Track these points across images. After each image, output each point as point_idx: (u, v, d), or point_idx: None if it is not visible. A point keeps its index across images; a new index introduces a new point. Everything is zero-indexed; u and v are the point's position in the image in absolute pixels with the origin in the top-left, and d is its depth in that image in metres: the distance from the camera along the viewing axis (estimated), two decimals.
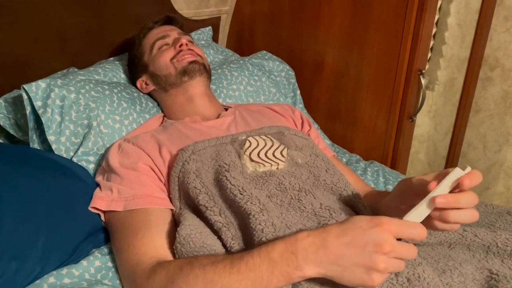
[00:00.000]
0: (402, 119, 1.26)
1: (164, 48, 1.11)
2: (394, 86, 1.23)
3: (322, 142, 1.14)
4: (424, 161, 1.73)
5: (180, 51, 1.08)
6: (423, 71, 1.21)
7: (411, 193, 0.70)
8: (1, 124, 1.08)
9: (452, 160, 1.58)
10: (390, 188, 1.15)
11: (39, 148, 1.01)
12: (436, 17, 1.51)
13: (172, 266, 0.68)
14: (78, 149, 0.99)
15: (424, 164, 1.73)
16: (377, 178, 1.18)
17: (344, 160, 1.31)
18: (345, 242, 0.57)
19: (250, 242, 0.73)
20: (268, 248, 0.61)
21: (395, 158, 1.32)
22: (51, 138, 0.97)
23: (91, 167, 0.98)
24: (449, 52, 1.52)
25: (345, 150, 1.38)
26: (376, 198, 0.91)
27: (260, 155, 0.87)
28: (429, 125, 1.66)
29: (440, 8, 1.49)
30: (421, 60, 1.19)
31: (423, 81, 1.21)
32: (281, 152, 0.89)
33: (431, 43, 1.54)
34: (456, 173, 0.62)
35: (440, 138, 1.64)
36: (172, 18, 1.19)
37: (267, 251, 0.60)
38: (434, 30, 1.51)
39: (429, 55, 1.56)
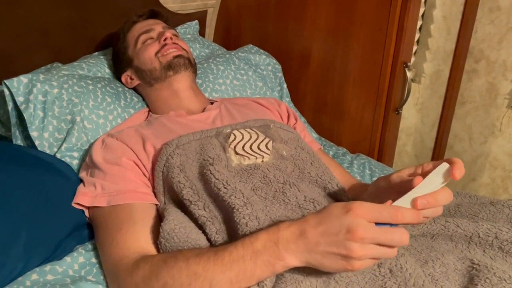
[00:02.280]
0: (388, 111, 1.26)
1: (149, 42, 1.10)
2: (379, 79, 1.24)
3: (308, 135, 1.14)
4: (411, 153, 1.74)
5: (165, 45, 1.07)
6: (409, 64, 1.21)
7: (391, 191, 0.70)
8: None
9: (438, 152, 1.60)
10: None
11: (22, 144, 1.00)
12: (422, 10, 1.51)
13: (156, 260, 0.68)
14: (61, 145, 0.98)
15: (411, 156, 1.75)
16: (363, 171, 1.19)
17: (331, 153, 1.32)
18: (321, 231, 0.57)
19: (234, 236, 0.73)
20: (252, 239, 0.61)
21: (381, 151, 1.33)
22: (34, 134, 0.96)
23: (75, 163, 0.97)
24: (435, 44, 1.52)
25: (332, 143, 1.39)
26: (360, 190, 0.91)
27: (245, 148, 0.87)
28: (415, 118, 1.66)
29: (426, 0, 1.49)
30: (406, 52, 1.19)
31: (408, 73, 1.21)
32: (266, 145, 0.89)
33: (417, 36, 1.54)
34: (441, 168, 0.62)
35: (426, 131, 1.65)
36: (156, 12, 1.18)
37: (250, 241, 0.61)
38: (420, 23, 1.51)
39: (415, 48, 1.57)
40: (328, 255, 0.57)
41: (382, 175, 1.16)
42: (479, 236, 0.75)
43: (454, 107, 1.53)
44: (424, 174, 0.64)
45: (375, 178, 1.16)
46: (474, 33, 1.43)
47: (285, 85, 1.40)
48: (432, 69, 1.56)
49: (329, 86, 1.39)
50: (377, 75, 1.24)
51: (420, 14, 1.51)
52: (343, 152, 1.32)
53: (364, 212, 0.55)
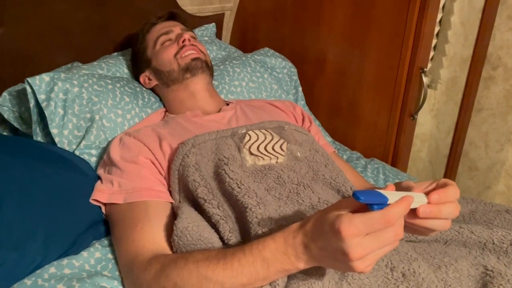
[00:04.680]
0: (403, 117, 1.26)
1: (167, 44, 1.11)
2: (395, 84, 1.24)
3: (322, 138, 1.14)
4: (426, 159, 1.72)
5: (183, 46, 1.09)
6: (425, 69, 1.21)
7: None
8: (6, 117, 1.09)
9: (453, 159, 1.58)
10: None
11: (42, 141, 1.03)
12: (440, 15, 1.50)
13: (168, 260, 0.69)
14: (80, 142, 1.00)
15: (426, 162, 1.73)
16: (377, 175, 1.19)
17: (345, 157, 1.32)
18: (319, 246, 0.57)
19: (247, 235, 0.74)
20: (259, 247, 0.61)
21: (395, 156, 1.32)
22: (54, 131, 0.98)
23: (93, 160, 0.99)
24: (452, 50, 1.51)
25: (346, 147, 1.39)
26: None
27: (259, 149, 0.88)
28: (431, 124, 1.65)
29: (443, 6, 1.49)
30: (422, 58, 1.19)
31: (424, 79, 1.21)
32: (280, 146, 0.90)
33: (434, 41, 1.53)
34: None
35: (442, 137, 1.64)
36: (175, 14, 1.20)
37: (258, 249, 0.61)
38: (437, 28, 1.51)
39: (432, 53, 1.56)
40: (335, 263, 0.57)
41: (397, 181, 1.17)
42: (494, 243, 0.74)
43: (470, 114, 1.52)
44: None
45: (388, 184, 1.16)
46: (492, 40, 1.42)
47: (300, 88, 1.41)
48: (449, 75, 1.55)
49: (344, 90, 1.40)
50: (393, 80, 1.24)
51: (438, 20, 1.51)
52: (357, 156, 1.32)
53: (353, 230, 0.52)
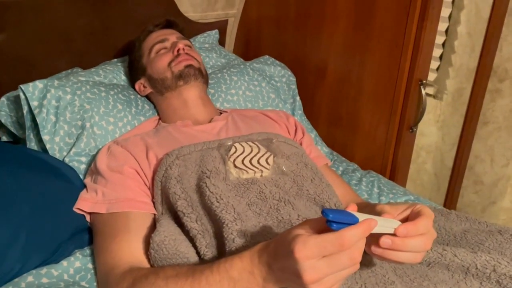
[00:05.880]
0: (401, 129, 1.23)
1: (162, 52, 1.12)
2: (394, 96, 1.21)
3: (315, 150, 1.12)
4: (431, 171, 1.69)
5: (178, 55, 1.09)
6: (425, 82, 1.18)
7: None
8: (3, 121, 1.11)
9: (458, 172, 1.54)
10: (383, 199, 1.13)
11: (36, 146, 1.04)
12: (446, 25, 1.47)
13: (140, 274, 0.69)
14: (70, 149, 1.00)
15: (431, 174, 1.70)
16: (371, 189, 1.16)
17: (341, 168, 1.30)
18: (279, 267, 0.55)
19: (223, 251, 0.73)
20: (227, 265, 0.60)
21: (394, 169, 1.30)
22: (45, 137, 0.99)
23: (82, 168, 1.00)
24: (459, 61, 1.48)
25: (343, 158, 1.37)
26: (364, 211, 0.89)
27: (244, 162, 0.87)
28: (436, 135, 1.62)
29: (450, 16, 1.46)
30: (422, 70, 1.16)
31: (423, 91, 1.18)
32: (266, 160, 0.89)
33: (440, 51, 1.50)
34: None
35: (447, 149, 1.60)
36: (172, 22, 1.20)
37: (225, 268, 0.60)
38: (443, 38, 1.48)
39: (438, 64, 1.53)
40: (294, 286, 0.55)
41: (391, 195, 1.15)
42: (477, 268, 0.72)
43: (475, 127, 1.48)
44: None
45: (383, 197, 1.14)
46: (499, 51, 1.38)
47: (298, 98, 1.39)
48: (455, 86, 1.51)
49: (344, 100, 1.38)
50: (391, 92, 1.22)
51: (444, 29, 1.48)
52: (353, 169, 1.29)
53: (306, 252, 0.50)
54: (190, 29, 1.42)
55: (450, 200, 1.60)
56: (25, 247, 0.77)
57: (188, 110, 1.08)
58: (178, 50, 1.09)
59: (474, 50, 1.42)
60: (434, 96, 1.57)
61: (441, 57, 1.53)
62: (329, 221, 0.51)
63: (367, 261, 0.71)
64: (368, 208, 0.75)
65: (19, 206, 0.80)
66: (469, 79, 1.46)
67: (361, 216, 0.54)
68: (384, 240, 0.55)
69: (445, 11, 1.42)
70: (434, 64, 1.50)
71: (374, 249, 0.57)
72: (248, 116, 1.12)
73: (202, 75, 1.11)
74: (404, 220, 0.62)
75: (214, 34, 1.57)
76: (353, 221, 0.53)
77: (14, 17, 1.15)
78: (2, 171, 0.82)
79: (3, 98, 1.11)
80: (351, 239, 0.50)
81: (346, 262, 0.51)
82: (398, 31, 1.15)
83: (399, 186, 1.20)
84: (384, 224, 0.56)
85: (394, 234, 0.57)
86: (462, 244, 0.83)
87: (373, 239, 0.57)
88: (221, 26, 1.62)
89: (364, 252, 0.55)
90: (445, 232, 0.87)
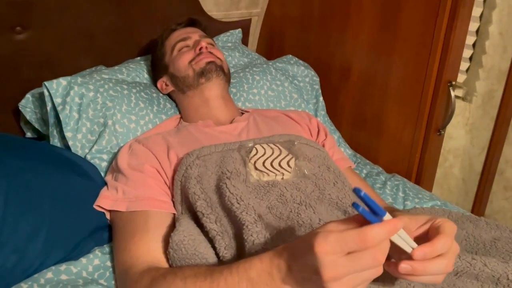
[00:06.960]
0: (429, 132, 1.19)
1: (184, 50, 1.11)
2: (421, 97, 1.17)
3: (338, 152, 1.10)
4: (459, 176, 1.63)
5: (200, 53, 1.08)
6: (454, 83, 1.14)
7: None
8: (28, 118, 1.13)
9: (487, 177, 1.48)
10: (408, 204, 1.09)
11: (59, 143, 1.05)
12: (477, 25, 1.42)
13: (158, 274, 0.68)
14: (92, 146, 1.01)
15: (458, 179, 1.64)
16: (396, 193, 1.13)
17: (365, 171, 1.26)
18: (299, 266, 0.53)
19: (243, 253, 0.71)
20: (246, 266, 0.59)
21: (420, 173, 1.26)
22: (68, 134, 1.00)
23: (103, 165, 1.00)
24: (489, 62, 1.42)
25: (367, 161, 1.33)
26: None
27: (265, 164, 0.85)
28: (465, 139, 1.56)
29: (481, 15, 1.40)
30: (451, 71, 1.12)
31: (453, 93, 1.14)
32: (287, 162, 0.87)
33: (470, 52, 1.45)
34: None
35: (476, 153, 1.54)
36: (194, 20, 1.20)
37: (244, 269, 0.59)
38: (473, 38, 1.42)
39: (468, 65, 1.48)
40: (312, 287, 0.53)
41: (417, 200, 1.11)
42: (508, 278, 0.68)
43: (506, 130, 1.42)
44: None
45: (408, 202, 1.10)
46: None
47: (321, 98, 1.37)
48: (485, 88, 1.46)
49: (369, 101, 1.34)
50: (419, 93, 1.18)
51: (475, 29, 1.43)
52: (377, 172, 1.26)
53: (327, 247, 0.48)
54: (213, 28, 1.41)
55: (479, 206, 1.55)
56: (45, 243, 0.77)
57: (210, 109, 1.07)
58: (201, 48, 1.08)
59: (506, 51, 1.37)
60: (463, 98, 1.52)
61: (471, 58, 1.48)
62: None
63: None
64: None
65: (41, 202, 0.80)
66: (501, 81, 1.40)
67: (388, 216, 0.51)
68: (403, 266, 0.52)
69: (476, 11, 1.38)
70: (463, 66, 1.46)
71: (393, 271, 0.54)
72: (270, 117, 1.11)
73: (224, 73, 1.09)
74: (424, 235, 0.58)
75: (237, 33, 1.55)
76: (381, 213, 0.49)
77: (39, 15, 1.17)
78: (25, 167, 0.83)
79: (28, 95, 1.13)
80: (374, 237, 0.47)
81: (368, 262, 0.48)
82: (426, 31, 1.11)
83: (425, 191, 1.16)
84: (404, 237, 0.53)
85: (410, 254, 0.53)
86: (492, 253, 0.79)
87: (392, 251, 0.54)
88: (244, 25, 1.61)
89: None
90: (473, 240, 0.84)
